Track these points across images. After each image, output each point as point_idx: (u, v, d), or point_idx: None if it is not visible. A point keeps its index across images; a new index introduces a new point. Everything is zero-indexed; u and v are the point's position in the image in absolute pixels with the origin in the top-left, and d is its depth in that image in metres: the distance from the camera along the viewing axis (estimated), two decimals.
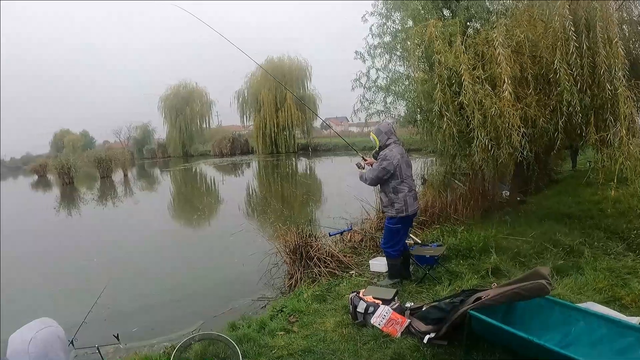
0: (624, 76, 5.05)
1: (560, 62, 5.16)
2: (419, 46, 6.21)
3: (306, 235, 5.81)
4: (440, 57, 5.74)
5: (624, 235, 5.38)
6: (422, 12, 7.00)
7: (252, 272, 6.29)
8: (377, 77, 8.00)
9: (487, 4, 7.13)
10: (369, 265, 5.48)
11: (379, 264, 5.29)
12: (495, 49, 5.37)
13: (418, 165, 9.68)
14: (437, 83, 5.81)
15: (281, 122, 39.28)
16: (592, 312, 2.96)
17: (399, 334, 3.50)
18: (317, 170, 27.84)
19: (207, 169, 33.57)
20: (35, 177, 37.19)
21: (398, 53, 7.67)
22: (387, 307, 3.70)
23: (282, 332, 3.90)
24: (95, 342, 3.34)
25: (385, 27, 7.77)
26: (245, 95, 41.66)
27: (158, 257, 8.75)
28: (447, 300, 3.45)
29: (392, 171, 4.47)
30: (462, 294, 3.46)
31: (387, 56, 7.77)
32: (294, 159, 35.80)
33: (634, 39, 6.85)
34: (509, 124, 5.32)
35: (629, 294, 3.73)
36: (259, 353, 3.51)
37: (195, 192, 21.21)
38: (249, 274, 6.36)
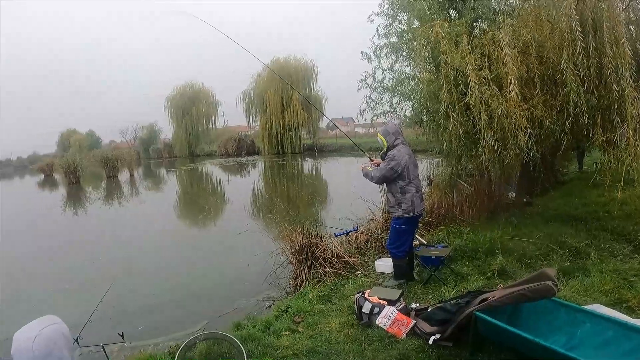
0: (631, 77, 5.01)
1: (566, 62, 5.13)
2: (425, 46, 6.21)
3: (312, 236, 5.83)
4: (447, 57, 5.72)
5: (631, 237, 5.34)
6: (429, 12, 6.98)
7: (257, 272, 6.30)
8: (384, 77, 8.01)
9: (494, 4, 7.11)
10: (374, 266, 5.48)
11: (384, 264, 5.29)
12: (502, 50, 5.35)
13: (424, 166, 9.69)
14: (443, 83, 5.79)
15: (287, 123, 39.45)
16: (598, 314, 2.95)
17: (404, 335, 3.50)
18: (323, 170, 27.81)
19: (213, 169, 33.63)
20: (42, 176, 37.49)
21: (404, 53, 7.65)
22: (392, 308, 3.70)
23: (287, 332, 3.91)
24: (100, 341, 3.37)
25: (391, 27, 7.76)
26: (252, 95, 41.93)
27: (163, 256, 8.77)
28: (453, 302, 3.45)
29: (399, 171, 4.48)
30: (467, 295, 3.46)
31: (393, 57, 7.75)
32: (299, 159, 35.85)
33: None
34: (515, 125, 5.31)
35: (636, 296, 3.70)
36: (264, 353, 3.52)
37: (201, 192, 21.22)
38: (254, 274, 6.38)
